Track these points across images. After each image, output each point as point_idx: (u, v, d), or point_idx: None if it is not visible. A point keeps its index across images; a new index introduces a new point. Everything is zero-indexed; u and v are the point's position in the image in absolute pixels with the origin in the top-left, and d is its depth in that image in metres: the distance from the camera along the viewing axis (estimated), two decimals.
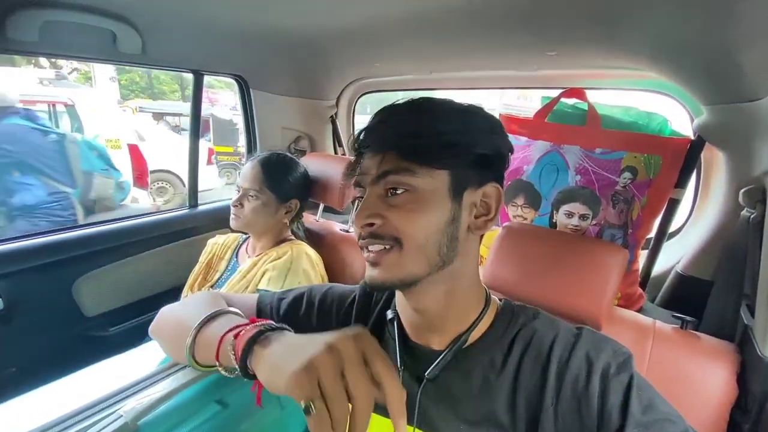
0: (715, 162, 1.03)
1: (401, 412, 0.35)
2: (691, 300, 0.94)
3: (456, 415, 0.48)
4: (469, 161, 0.48)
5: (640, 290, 1.02)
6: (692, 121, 1.00)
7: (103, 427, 0.47)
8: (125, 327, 1.29)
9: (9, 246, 1.10)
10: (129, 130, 3.92)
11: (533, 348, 0.48)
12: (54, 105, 3.43)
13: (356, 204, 0.52)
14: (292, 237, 1.21)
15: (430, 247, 0.46)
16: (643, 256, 1.05)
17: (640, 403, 0.41)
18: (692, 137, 0.92)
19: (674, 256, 1.10)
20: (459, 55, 1.18)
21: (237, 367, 0.43)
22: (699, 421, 0.69)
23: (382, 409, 0.51)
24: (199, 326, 0.50)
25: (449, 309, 0.50)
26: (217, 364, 0.47)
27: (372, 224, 0.47)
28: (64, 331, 1.18)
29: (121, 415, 0.49)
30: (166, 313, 0.61)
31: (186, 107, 4.98)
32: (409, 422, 0.49)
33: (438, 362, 0.49)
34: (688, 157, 0.90)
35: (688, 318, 0.80)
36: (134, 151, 3.64)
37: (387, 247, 0.46)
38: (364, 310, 0.61)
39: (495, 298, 0.55)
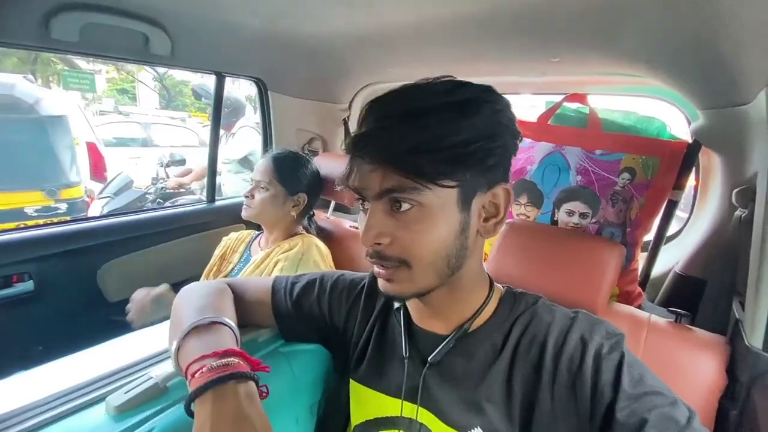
0: (712, 165, 1.06)
1: None
2: (688, 299, 0.97)
3: (458, 396, 0.50)
4: (478, 170, 0.46)
5: (639, 289, 1.05)
6: (690, 125, 1.04)
7: (135, 387, 0.51)
8: None
9: (41, 231, 1.17)
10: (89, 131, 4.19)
11: (531, 330, 0.50)
12: None
13: (363, 205, 0.50)
14: (303, 231, 1.27)
15: (439, 263, 0.46)
16: (643, 258, 1.08)
17: (630, 378, 0.43)
18: (690, 141, 0.96)
19: (673, 258, 1.13)
20: (468, 61, 1.24)
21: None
22: None
23: (384, 386, 0.55)
24: (181, 337, 0.49)
25: (454, 301, 0.52)
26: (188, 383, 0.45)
27: (379, 243, 0.46)
28: (88, 314, 1.25)
29: (152, 377, 0.53)
30: (182, 296, 0.61)
31: None
32: (414, 402, 0.52)
33: (441, 347, 0.51)
34: (685, 160, 0.93)
35: (682, 312, 0.83)
36: (92, 148, 3.99)
37: (395, 266, 0.46)
38: (372, 297, 0.63)
39: (498, 285, 0.57)
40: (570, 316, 0.50)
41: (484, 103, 0.46)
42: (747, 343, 0.68)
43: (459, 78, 0.48)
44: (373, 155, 0.45)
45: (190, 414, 0.42)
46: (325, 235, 1.36)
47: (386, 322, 0.61)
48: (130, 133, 6.09)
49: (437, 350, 0.52)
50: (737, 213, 0.84)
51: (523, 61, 1.16)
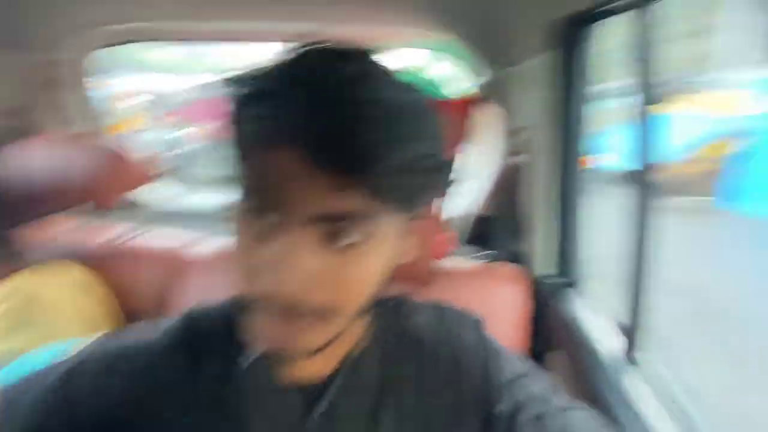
0: (492, 116, 1.22)
1: None
2: (487, 235, 1.12)
3: None
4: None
5: (445, 234, 1.15)
6: (472, 80, 1.14)
7: None
8: None
9: None
10: None
11: (402, 338, 0.45)
12: None
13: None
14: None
15: (362, 304, 0.35)
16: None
17: (497, 368, 0.43)
18: (471, 95, 1.05)
19: (471, 199, 1.28)
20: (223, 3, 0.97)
21: None
22: (508, 341, 0.84)
23: None
24: None
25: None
26: None
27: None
28: None
29: None
30: None
31: None
32: None
33: (330, 390, 0.39)
34: (468, 116, 1.02)
35: (486, 252, 0.95)
36: None
37: (312, 318, 0.31)
38: (182, 372, 0.40)
39: None
40: (429, 312, 0.47)
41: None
42: (535, 273, 0.82)
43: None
44: (331, 160, 0.27)
45: None
46: (84, 256, 0.92)
47: (221, 388, 0.40)
48: None
49: (326, 395, 0.39)
50: (513, 159, 0.98)
51: (290, 6, 0.97)
